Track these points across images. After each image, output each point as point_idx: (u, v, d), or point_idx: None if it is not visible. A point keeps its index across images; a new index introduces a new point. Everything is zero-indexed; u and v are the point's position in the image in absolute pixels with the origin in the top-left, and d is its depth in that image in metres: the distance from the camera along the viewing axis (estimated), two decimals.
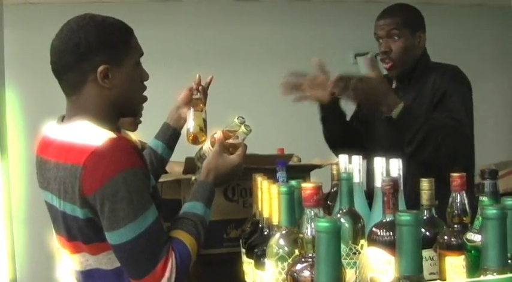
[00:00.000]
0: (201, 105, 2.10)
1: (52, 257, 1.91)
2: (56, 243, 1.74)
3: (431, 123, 2.16)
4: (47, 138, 1.69)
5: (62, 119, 1.69)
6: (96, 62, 1.58)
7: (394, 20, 2.38)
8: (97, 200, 1.47)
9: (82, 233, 1.54)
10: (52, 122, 1.73)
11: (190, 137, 2.02)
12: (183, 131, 2.10)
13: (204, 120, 2.06)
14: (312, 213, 1.16)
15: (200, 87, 2.13)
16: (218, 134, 1.84)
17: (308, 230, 1.16)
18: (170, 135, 2.13)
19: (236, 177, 1.86)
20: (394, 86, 2.43)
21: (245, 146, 1.84)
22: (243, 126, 1.87)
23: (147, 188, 1.56)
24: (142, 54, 1.71)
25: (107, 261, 1.56)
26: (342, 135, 2.54)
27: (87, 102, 1.62)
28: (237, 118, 1.90)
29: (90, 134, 1.54)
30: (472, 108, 2.33)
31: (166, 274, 1.49)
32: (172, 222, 1.65)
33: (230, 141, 1.85)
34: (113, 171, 1.47)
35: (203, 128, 2.03)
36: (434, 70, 2.39)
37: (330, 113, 2.47)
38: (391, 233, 1.32)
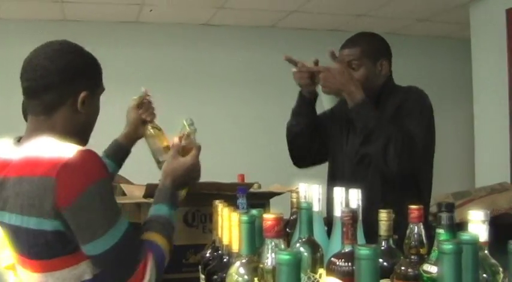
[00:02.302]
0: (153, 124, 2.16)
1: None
2: (2, 262, 1.72)
3: (384, 125, 2.23)
4: (1, 160, 1.66)
5: (19, 140, 1.67)
6: (79, 87, 1.63)
7: (354, 50, 2.40)
8: (72, 212, 1.47)
9: (48, 246, 1.52)
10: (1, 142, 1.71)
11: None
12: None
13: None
14: (273, 244, 1.17)
15: (147, 102, 2.21)
16: (174, 140, 1.89)
17: (268, 260, 1.17)
18: (123, 155, 2.20)
19: (195, 178, 1.89)
20: None
21: (199, 147, 1.88)
22: (187, 125, 1.92)
23: (114, 197, 1.61)
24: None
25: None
26: (307, 131, 2.57)
27: (56, 124, 1.63)
28: (185, 120, 1.94)
29: (59, 147, 1.54)
30: (433, 125, 2.35)
31: (147, 276, 1.53)
32: (141, 226, 1.70)
33: (183, 143, 1.88)
34: (87, 183, 1.48)
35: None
36: (397, 93, 2.42)
37: (305, 106, 2.54)
38: (350, 264, 1.33)
